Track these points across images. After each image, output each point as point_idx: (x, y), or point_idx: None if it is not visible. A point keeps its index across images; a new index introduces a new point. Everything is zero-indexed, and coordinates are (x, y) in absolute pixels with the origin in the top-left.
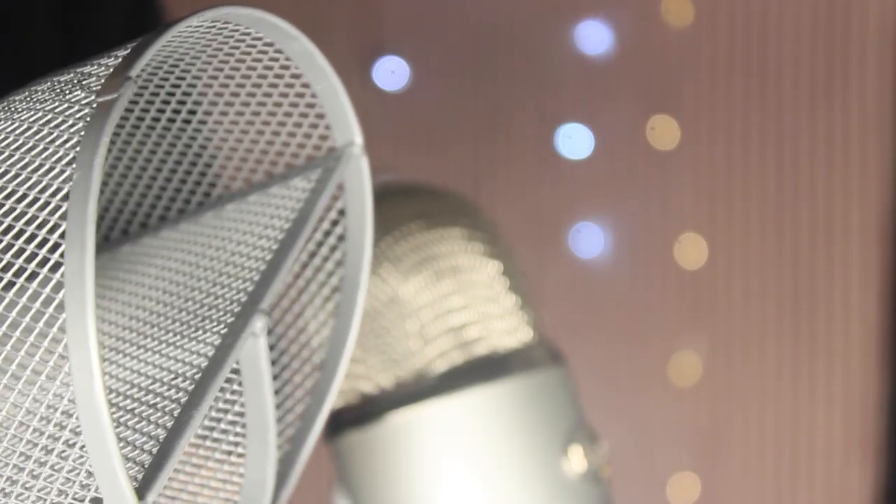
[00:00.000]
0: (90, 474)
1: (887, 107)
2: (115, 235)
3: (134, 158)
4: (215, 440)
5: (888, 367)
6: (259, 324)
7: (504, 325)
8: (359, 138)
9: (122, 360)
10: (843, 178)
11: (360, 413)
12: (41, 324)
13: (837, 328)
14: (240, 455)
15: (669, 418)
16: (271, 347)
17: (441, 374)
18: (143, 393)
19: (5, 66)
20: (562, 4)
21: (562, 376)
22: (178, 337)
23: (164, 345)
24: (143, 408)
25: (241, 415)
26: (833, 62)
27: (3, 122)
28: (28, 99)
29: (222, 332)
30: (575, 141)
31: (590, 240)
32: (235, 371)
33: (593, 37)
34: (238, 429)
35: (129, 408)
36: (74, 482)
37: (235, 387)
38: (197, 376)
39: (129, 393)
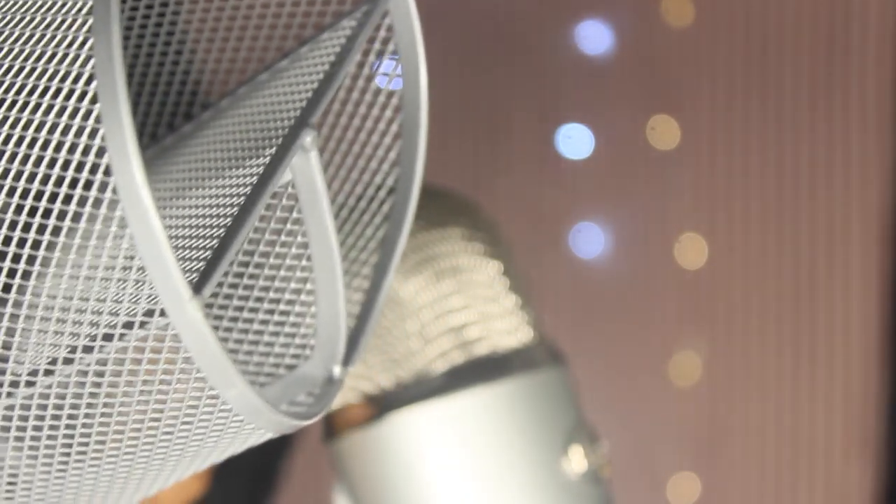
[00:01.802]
0: (143, 271)
1: (887, 107)
2: (178, 122)
3: (186, 31)
4: (284, 279)
5: (888, 367)
6: (308, 137)
7: (504, 325)
8: None
9: (178, 202)
10: (843, 178)
11: (360, 413)
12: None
13: (838, 328)
14: (310, 293)
15: (669, 418)
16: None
17: (441, 374)
18: (196, 219)
19: None
20: (562, 4)
21: (562, 376)
22: (231, 169)
23: (218, 179)
24: (196, 229)
25: (306, 246)
26: (833, 62)
27: None
28: None
29: (272, 153)
30: (575, 141)
31: (590, 240)
32: (294, 198)
33: (593, 37)
34: (304, 262)
35: (181, 234)
36: (126, 282)
37: (296, 214)
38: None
39: (182, 223)
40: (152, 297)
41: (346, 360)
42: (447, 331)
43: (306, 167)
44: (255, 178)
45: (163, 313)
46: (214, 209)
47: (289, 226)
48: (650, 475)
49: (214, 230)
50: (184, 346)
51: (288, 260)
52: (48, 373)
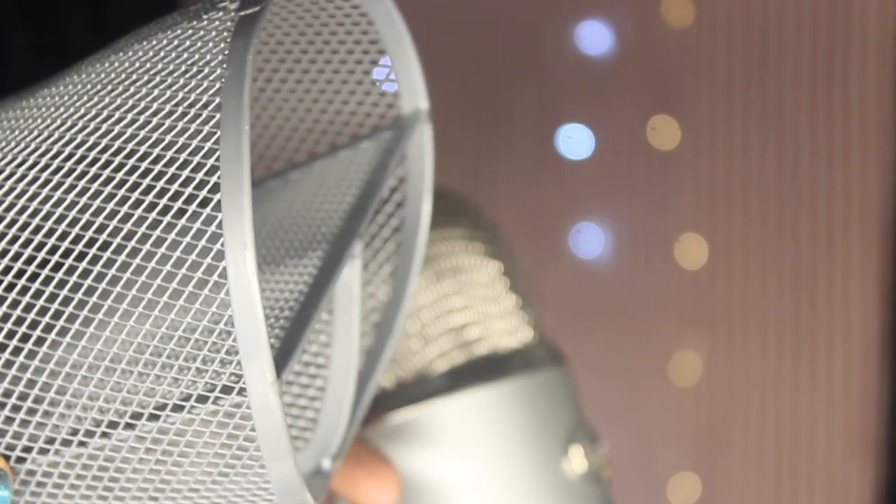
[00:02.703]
0: (232, 353)
1: (887, 107)
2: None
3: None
4: (297, 372)
5: (888, 367)
6: (358, 247)
7: (504, 326)
8: (424, 104)
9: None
10: (843, 178)
11: None
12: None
13: (838, 328)
14: (319, 389)
15: (669, 418)
16: None
17: (441, 375)
18: (268, 307)
19: (43, 68)
20: (562, 4)
21: (562, 376)
22: (288, 259)
23: (279, 266)
24: (270, 319)
25: (327, 345)
26: (833, 62)
27: (141, 41)
28: (161, 24)
29: (321, 256)
30: (575, 141)
31: (590, 240)
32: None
33: (593, 37)
34: (321, 360)
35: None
36: (214, 360)
37: (325, 315)
38: (306, 290)
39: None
40: (234, 375)
41: (336, 454)
42: (447, 331)
43: (349, 272)
44: (308, 274)
45: (241, 392)
46: (277, 300)
47: (316, 325)
48: (650, 475)
49: (276, 318)
50: (252, 425)
51: (306, 356)
52: (104, 435)
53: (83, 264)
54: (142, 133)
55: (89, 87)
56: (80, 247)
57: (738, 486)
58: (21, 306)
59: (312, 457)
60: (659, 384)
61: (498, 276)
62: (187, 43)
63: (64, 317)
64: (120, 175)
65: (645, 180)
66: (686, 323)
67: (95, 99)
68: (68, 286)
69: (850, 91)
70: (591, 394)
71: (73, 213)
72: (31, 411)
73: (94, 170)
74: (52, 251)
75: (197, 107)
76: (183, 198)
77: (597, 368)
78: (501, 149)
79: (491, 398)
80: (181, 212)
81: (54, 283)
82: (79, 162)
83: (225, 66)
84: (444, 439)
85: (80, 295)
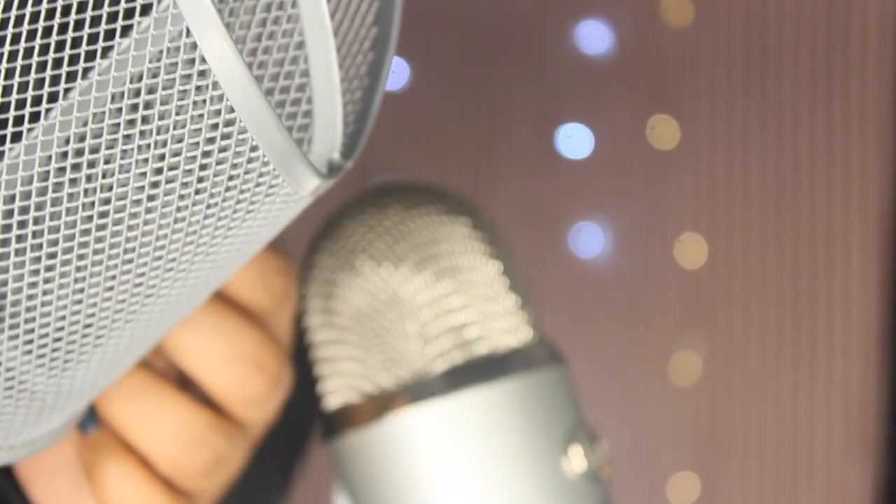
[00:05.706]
0: None
1: (887, 107)
2: None
3: None
4: (278, 62)
5: (888, 367)
6: None
7: (504, 325)
8: None
9: None
10: (843, 178)
11: (360, 413)
12: None
13: (838, 328)
14: (304, 74)
15: (669, 418)
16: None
17: (441, 374)
18: None
19: None
20: (562, 4)
21: (562, 376)
22: None
23: None
24: None
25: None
26: (833, 62)
27: None
28: None
29: None
30: (575, 141)
31: (590, 240)
32: None
33: (593, 37)
34: (297, 37)
35: None
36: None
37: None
38: None
39: None
40: None
41: (348, 153)
42: (447, 330)
43: None
44: None
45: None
46: None
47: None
48: (650, 475)
49: None
50: (185, 27)
51: (280, 38)
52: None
53: None
54: None
55: None
56: None
57: (738, 486)
58: None
59: (322, 157)
60: (658, 384)
61: (498, 275)
62: None
63: None
64: None
65: (645, 180)
66: (686, 322)
67: None
68: None
69: (850, 91)
70: (590, 394)
71: None
72: None
73: None
74: None
75: None
76: None
77: (596, 368)
78: (501, 148)
79: (491, 398)
80: None
81: None
82: None
83: None
84: (443, 439)
85: None
